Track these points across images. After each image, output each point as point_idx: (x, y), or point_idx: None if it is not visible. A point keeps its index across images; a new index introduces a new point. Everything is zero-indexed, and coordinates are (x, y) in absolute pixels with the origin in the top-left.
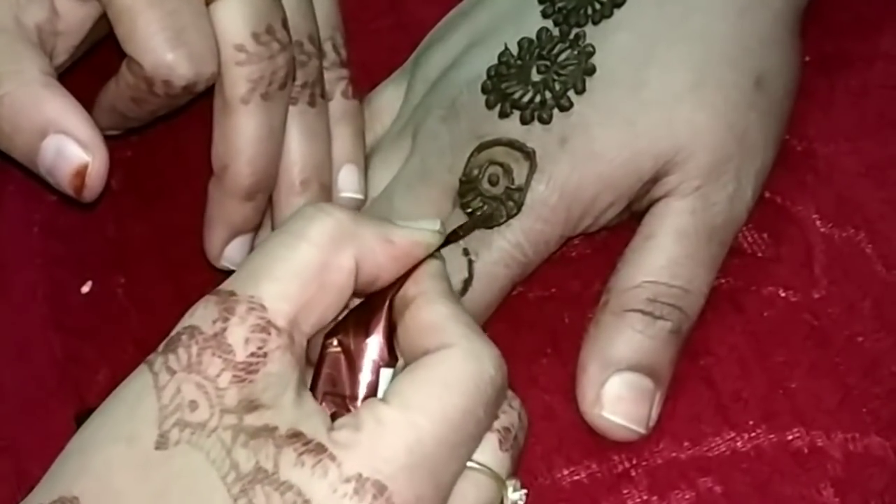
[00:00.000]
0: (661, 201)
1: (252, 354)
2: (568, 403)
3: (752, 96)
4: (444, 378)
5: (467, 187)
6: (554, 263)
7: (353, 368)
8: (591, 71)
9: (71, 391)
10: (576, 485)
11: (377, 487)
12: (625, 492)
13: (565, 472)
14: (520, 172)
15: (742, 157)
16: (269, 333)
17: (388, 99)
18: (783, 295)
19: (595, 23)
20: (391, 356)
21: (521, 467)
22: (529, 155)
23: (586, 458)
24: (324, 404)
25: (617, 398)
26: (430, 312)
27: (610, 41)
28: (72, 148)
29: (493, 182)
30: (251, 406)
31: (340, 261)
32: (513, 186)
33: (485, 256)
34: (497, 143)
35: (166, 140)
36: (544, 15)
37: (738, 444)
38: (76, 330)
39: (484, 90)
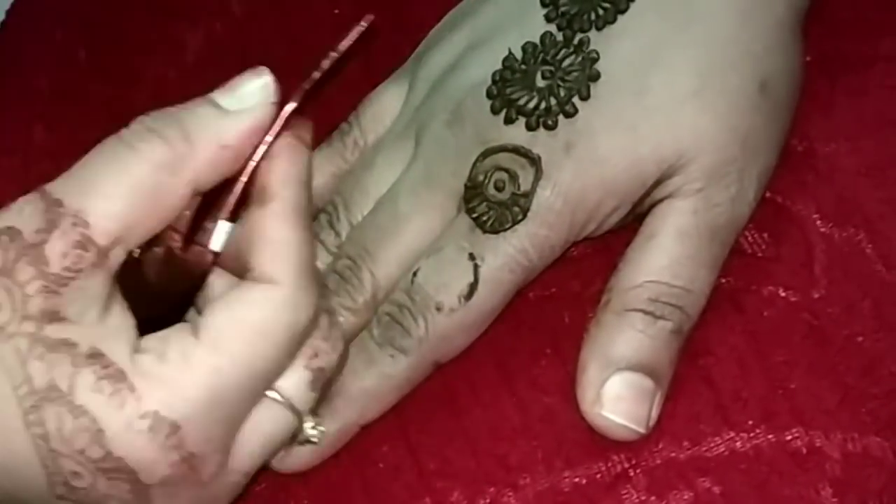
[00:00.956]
0: (664, 202)
1: (66, 269)
2: (568, 404)
3: (756, 100)
4: (259, 325)
5: (473, 193)
6: (554, 263)
7: (200, 211)
8: (596, 77)
9: None
10: (575, 486)
11: (171, 427)
12: (623, 492)
13: (565, 475)
14: (525, 178)
15: (745, 160)
16: (88, 251)
17: (389, 99)
18: (783, 295)
19: (598, 28)
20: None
21: (520, 468)
22: (535, 161)
23: (585, 459)
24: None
25: (617, 397)
26: (275, 230)
27: (614, 47)
28: None
29: (499, 188)
30: (54, 317)
31: (174, 185)
32: (518, 192)
33: (490, 262)
34: (503, 149)
35: None
36: (548, 19)
37: (738, 444)
38: None
39: (489, 95)
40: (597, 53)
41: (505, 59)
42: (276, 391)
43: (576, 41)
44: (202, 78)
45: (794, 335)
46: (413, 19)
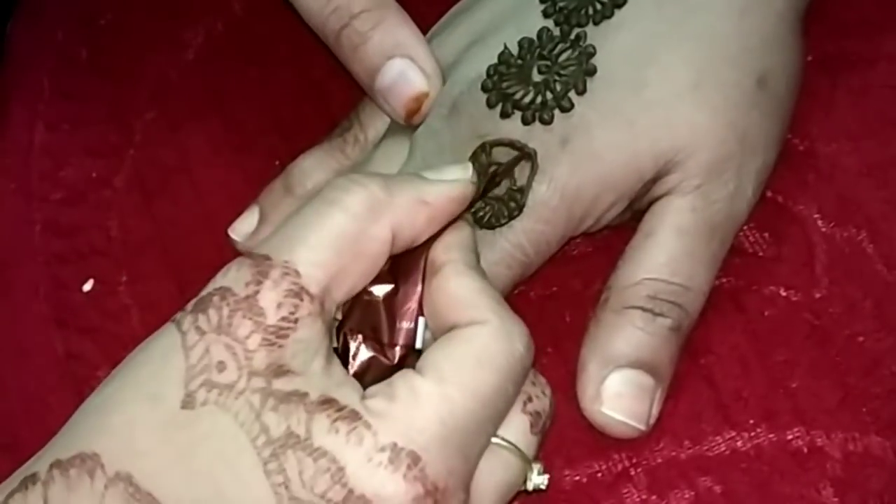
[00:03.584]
0: (662, 199)
1: (283, 319)
2: (568, 403)
3: (753, 95)
4: (477, 354)
5: None
6: (555, 262)
7: (392, 316)
8: (592, 71)
9: (72, 389)
10: (576, 485)
11: (412, 457)
12: (624, 491)
13: (566, 473)
14: (521, 173)
15: (743, 156)
16: (302, 299)
17: None
18: (784, 294)
19: (596, 23)
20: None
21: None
22: (531, 156)
23: (587, 457)
24: (363, 346)
25: (617, 395)
26: (459, 286)
27: (611, 41)
28: (415, 74)
29: (495, 182)
30: (280, 371)
31: (375, 231)
32: (514, 187)
33: (487, 257)
34: (499, 143)
35: (169, 139)
36: (545, 14)
37: (739, 443)
38: (78, 328)
39: (484, 89)
40: (593, 48)
41: (500, 54)
42: (502, 438)
43: (573, 36)
44: (203, 77)
45: (796, 335)
46: (413, 18)
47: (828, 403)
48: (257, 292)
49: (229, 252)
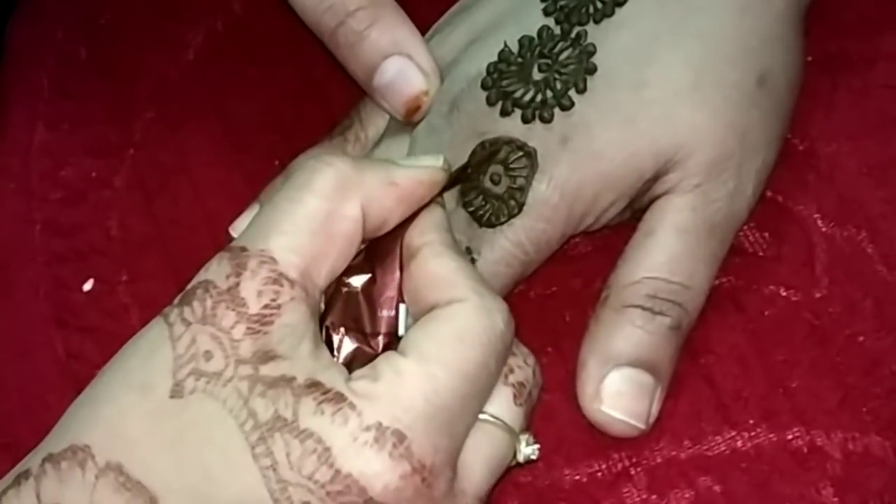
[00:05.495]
0: (662, 198)
1: (265, 307)
2: (568, 402)
3: (753, 95)
4: (458, 332)
5: (469, 185)
6: (555, 261)
7: (373, 305)
8: (593, 70)
9: (72, 389)
10: (576, 484)
11: (397, 436)
12: (624, 490)
13: (566, 472)
14: (520, 172)
15: (743, 155)
16: (282, 286)
17: None
18: (784, 294)
19: (596, 21)
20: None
21: (521, 467)
22: (531, 154)
23: (586, 457)
24: (346, 339)
25: (616, 393)
26: (438, 265)
27: (611, 40)
28: (414, 72)
29: (495, 181)
30: (266, 357)
31: (346, 210)
32: (514, 186)
33: (487, 255)
34: (498, 141)
35: (169, 139)
36: (546, 13)
37: (738, 443)
38: (78, 328)
39: (484, 87)
40: (594, 46)
41: (500, 52)
42: (487, 413)
43: (573, 34)
44: (203, 77)
45: (796, 334)
46: (414, 17)
47: (828, 403)
48: (238, 283)
49: None
